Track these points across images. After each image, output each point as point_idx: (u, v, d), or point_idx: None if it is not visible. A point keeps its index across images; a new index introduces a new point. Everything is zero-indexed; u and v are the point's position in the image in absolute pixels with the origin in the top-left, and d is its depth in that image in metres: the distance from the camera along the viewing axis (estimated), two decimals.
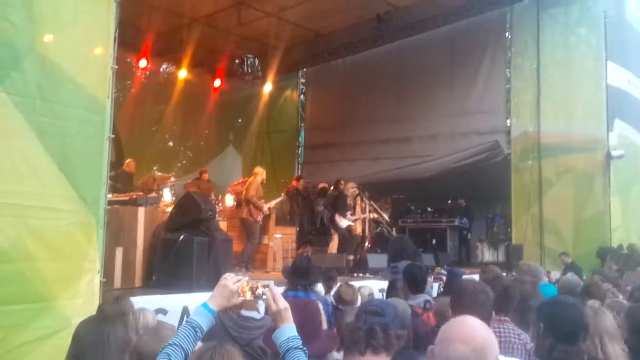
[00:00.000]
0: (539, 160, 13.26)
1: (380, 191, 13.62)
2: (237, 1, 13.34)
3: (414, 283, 5.25)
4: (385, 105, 15.54)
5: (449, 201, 15.34)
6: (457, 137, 14.49)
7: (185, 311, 5.76)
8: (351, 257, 11.11)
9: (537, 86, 13.34)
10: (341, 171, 14.56)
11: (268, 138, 17.92)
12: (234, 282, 2.39)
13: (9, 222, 4.19)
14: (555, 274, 9.04)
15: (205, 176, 12.38)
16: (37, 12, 4.47)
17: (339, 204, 11.41)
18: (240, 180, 12.50)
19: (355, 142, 16.25)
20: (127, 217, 7.49)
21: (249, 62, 15.31)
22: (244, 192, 10.62)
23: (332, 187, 12.60)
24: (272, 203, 11.01)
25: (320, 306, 3.29)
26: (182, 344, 2.23)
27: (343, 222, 11.18)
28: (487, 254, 13.92)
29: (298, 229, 12.29)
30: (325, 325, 3.00)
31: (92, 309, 4.50)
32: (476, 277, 6.30)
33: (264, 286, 2.42)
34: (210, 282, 6.46)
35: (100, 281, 4.80)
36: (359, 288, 5.98)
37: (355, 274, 10.29)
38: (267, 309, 2.45)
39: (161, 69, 16.74)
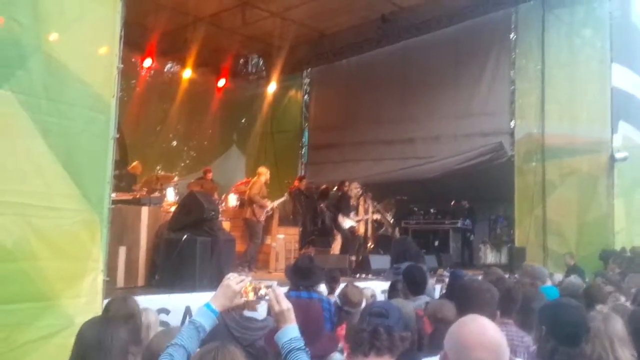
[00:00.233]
0: (543, 162, 13.23)
1: (384, 192, 13.62)
2: (242, 1, 13.35)
3: (414, 284, 5.24)
4: (389, 106, 15.53)
5: (452, 203, 15.32)
6: (461, 139, 14.47)
7: (187, 311, 5.77)
8: (353, 258, 11.11)
9: (542, 88, 13.30)
10: (345, 171, 14.57)
11: (272, 138, 17.92)
12: (236, 282, 2.40)
13: (13, 221, 4.20)
14: (558, 276, 9.01)
15: (210, 175, 12.38)
16: (42, 11, 4.48)
17: (342, 204, 11.41)
18: (244, 180, 12.50)
19: (359, 143, 16.24)
20: (131, 216, 7.50)
21: (253, 61, 15.36)
22: (247, 192, 10.63)
23: (335, 188, 12.60)
24: (275, 203, 11.01)
25: (323, 307, 3.29)
26: (184, 344, 2.24)
27: (346, 223, 11.18)
28: (489, 256, 13.92)
29: (301, 229, 12.29)
30: (326, 327, 3.00)
31: (95, 308, 4.52)
32: (479, 279, 6.28)
33: (267, 287, 2.43)
34: (213, 282, 6.47)
35: (104, 280, 4.81)
36: (362, 289, 5.98)
37: (357, 275, 10.28)
38: (270, 310, 2.45)
39: (165, 69, 16.75)
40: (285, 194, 12.26)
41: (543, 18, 13.26)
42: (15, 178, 4.27)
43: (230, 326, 3.77)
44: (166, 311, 5.57)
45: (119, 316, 3.33)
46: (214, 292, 2.44)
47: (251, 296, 2.41)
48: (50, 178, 4.47)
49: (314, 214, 12.86)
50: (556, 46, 13.23)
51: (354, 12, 14.04)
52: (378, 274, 10.01)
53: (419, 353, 3.22)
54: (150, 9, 12.09)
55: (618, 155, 12.53)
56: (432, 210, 15.26)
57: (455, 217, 14.70)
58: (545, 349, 3.17)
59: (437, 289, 7.17)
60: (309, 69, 17.85)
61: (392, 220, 13.46)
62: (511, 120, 14.13)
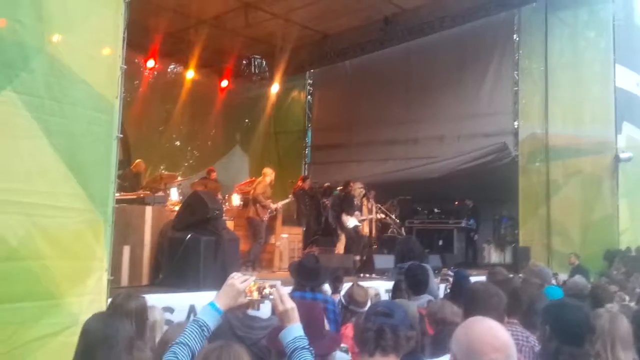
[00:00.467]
0: (547, 162, 13.25)
1: (387, 192, 13.62)
2: (245, 2, 13.37)
3: (416, 283, 5.23)
4: (392, 107, 15.55)
5: (456, 202, 15.31)
6: (464, 139, 14.48)
7: (192, 310, 5.77)
8: (357, 258, 11.11)
9: (545, 89, 13.33)
10: (348, 172, 14.58)
11: (275, 138, 17.96)
12: (241, 281, 2.40)
13: (18, 220, 4.22)
14: (562, 276, 9.01)
15: (213, 175, 12.39)
16: (46, 13, 4.49)
17: (346, 204, 11.42)
18: (247, 180, 12.52)
19: (362, 143, 16.27)
20: (135, 215, 7.51)
21: (256, 63, 15.32)
22: (251, 191, 10.66)
23: (339, 188, 12.61)
24: (279, 204, 11.03)
25: (326, 307, 3.29)
26: (189, 342, 2.24)
27: (350, 223, 11.18)
28: (494, 256, 13.90)
29: (305, 229, 12.30)
30: (328, 326, 3.00)
31: (99, 306, 4.53)
32: (483, 278, 6.28)
33: (271, 286, 2.43)
34: (217, 281, 6.44)
35: (108, 279, 4.82)
36: (367, 289, 5.97)
37: (361, 275, 10.28)
38: (274, 309, 2.45)
39: (169, 70, 16.80)
40: (290, 196, 12.27)
41: (546, 20, 13.27)
42: (20, 178, 4.29)
43: (234, 325, 3.78)
44: (170, 310, 5.58)
45: (124, 311, 3.34)
46: (218, 291, 2.44)
47: (255, 295, 2.41)
48: (55, 178, 4.48)
49: (318, 214, 12.87)
50: (559, 48, 13.26)
51: (357, 13, 14.04)
52: (382, 273, 10.01)
53: (421, 353, 3.22)
54: (154, 10, 12.11)
55: (622, 156, 12.54)
56: (436, 210, 15.25)
57: (459, 217, 14.69)
58: (549, 349, 3.16)
59: (442, 289, 7.16)
60: (312, 69, 17.88)
61: (398, 220, 13.46)
62: (515, 121, 14.13)
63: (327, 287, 6.07)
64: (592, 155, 12.71)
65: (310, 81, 18.47)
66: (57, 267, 4.42)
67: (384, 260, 10.51)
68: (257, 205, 10.37)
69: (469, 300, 3.49)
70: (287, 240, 11.22)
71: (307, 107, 18.46)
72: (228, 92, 16.91)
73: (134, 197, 8.47)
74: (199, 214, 7.42)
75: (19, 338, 4.15)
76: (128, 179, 10.10)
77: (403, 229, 13.69)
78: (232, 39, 14.86)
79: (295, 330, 2.34)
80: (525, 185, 13.52)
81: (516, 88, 14.12)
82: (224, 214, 8.75)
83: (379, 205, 12.53)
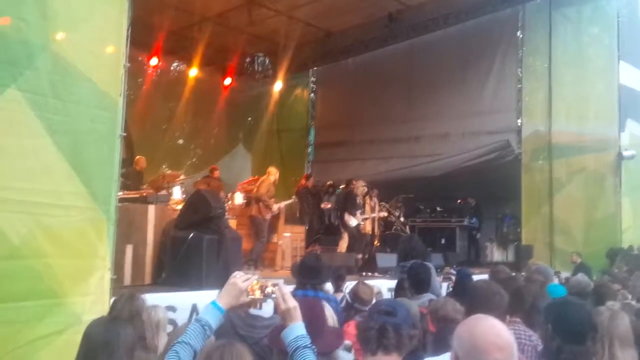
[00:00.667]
0: (550, 160, 13.21)
1: (390, 190, 13.61)
2: (248, 0, 13.36)
3: (419, 282, 5.23)
4: (396, 104, 15.52)
5: (459, 201, 15.29)
6: (468, 136, 14.45)
7: (194, 309, 5.77)
8: (360, 256, 11.11)
9: (549, 86, 13.28)
10: (351, 170, 14.57)
11: (278, 136, 17.95)
12: (243, 280, 2.40)
13: (21, 218, 4.23)
14: (565, 274, 9.00)
15: (216, 174, 12.41)
16: (50, 11, 4.50)
17: (348, 203, 11.41)
18: (250, 179, 12.52)
19: (366, 141, 16.26)
20: (138, 214, 7.52)
21: (259, 60, 15.34)
22: (254, 190, 10.66)
23: (342, 187, 12.61)
24: (282, 204, 11.03)
25: (329, 305, 3.28)
26: (191, 341, 2.24)
27: (353, 221, 11.17)
28: (496, 254, 13.87)
29: (307, 227, 12.30)
30: (331, 324, 2.99)
31: (102, 306, 4.55)
32: (485, 277, 6.27)
33: (274, 285, 2.43)
34: (219, 280, 6.44)
35: (111, 278, 4.83)
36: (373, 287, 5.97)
37: (364, 273, 10.28)
38: (276, 308, 2.45)
39: (172, 67, 16.80)
40: (293, 197, 12.28)
41: (550, 16, 13.23)
42: (23, 176, 4.30)
43: (236, 324, 3.78)
44: (173, 309, 5.58)
45: (124, 315, 3.34)
46: (220, 290, 2.44)
47: (257, 294, 2.41)
48: (58, 176, 4.49)
49: (321, 213, 12.87)
50: (563, 44, 13.20)
51: (360, 10, 14.02)
52: (385, 272, 10.01)
53: (422, 352, 3.22)
54: (157, 8, 12.11)
55: (625, 153, 12.50)
56: (438, 209, 15.22)
57: (461, 215, 14.67)
58: (551, 347, 3.16)
59: (444, 287, 7.16)
60: (315, 67, 17.86)
61: (402, 218, 13.44)
62: (518, 118, 14.10)
63: (329, 286, 6.07)
64: (596, 152, 12.67)
65: (313, 79, 18.45)
66: (60, 266, 4.43)
67: (386, 259, 10.50)
68: (260, 203, 10.38)
69: (470, 299, 3.49)
70: (290, 239, 11.23)
71: (310, 105, 18.44)
72: (231, 90, 16.92)
73: (137, 195, 8.48)
74: (201, 212, 7.43)
75: (23, 337, 4.17)
76: (131, 177, 10.11)
77: (408, 227, 13.66)
78: (235, 36, 14.86)
79: (297, 329, 2.34)
80: (528, 183, 13.48)
81: (520, 85, 14.08)
82: (226, 213, 8.76)
83: (384, 203, 12.51)
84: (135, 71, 12.46)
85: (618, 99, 12.63)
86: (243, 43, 15.31)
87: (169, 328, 3.86)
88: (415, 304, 4.12)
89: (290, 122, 18.20)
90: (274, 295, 2.41)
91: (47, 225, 4.36)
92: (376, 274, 10.20)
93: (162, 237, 7.56)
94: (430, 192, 15.21)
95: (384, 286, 7.54)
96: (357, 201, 11.42)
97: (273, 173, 10.94)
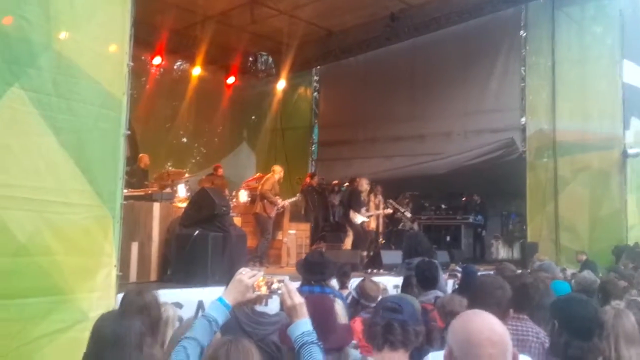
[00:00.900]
0: (555, 158, 13.20)
1: (394, 189, 13.60)
2: None
3: (425, 279, 5.23)
4: (399, 103, 15.53)
5: (464, 198, 15.28)
6: (471, 135, 14.46)
7: (200, 305, 5.79)
8: (365, 253, 11.12)
9: (553, 84, 13.27)
10: (355, 168, 14.59)
11: (281, 135, 17.96)
12: (249, 276, 2.40)
13: (27, 216, 4.23)
14: (570, 271, 8.98)
15: (220, 172, 12.44)
16: (53, 9, 4.49)
17: (353, 200, 11.42)
18: (255, 177, 12.53)
19: (369, 140, 16.27)
20: (143, 212, 7.54)
21: (262, 59, 15.38)
22: (259, 187, 10.68)
23: (346, 184, 12.62)
24: (287, 201, 11.04)
25: (338, 301, 3.29)
26: (198, 337, 2.25)
27: (358, 219, 11.17)
28: (501, 251, 13.88)
29: (312, 225, 12.30)
30: (341, 320, 2.99)
31: (108, 302, 4.55)
32: (491, 274, 6.26)
33: (279, 281, 2.43)
34: (225, 276, 6.43)
35: (117, 275, 4.84)
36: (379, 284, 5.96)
37: (369, 270, 10.28)
38: (282, 304, 2.45)
39: (175, 66, 16.83)
40: (298, 194, 12.28)
41: (553, 15, 13.21)
42: (29, 174, 4.30)
43: (242, 321, 3.77)
44: (179, 305, 5.57)
45: (134, 309, 3.34)
46: (226, 287, 2.44)
47: (264, 290, 2.41)
48: (63, 174, 4.49)
49: (326, 210, 12.89)
50: (566, 43, 13.19)
51: (363, 10, 14.03)
52: (390, 269, 10.00)
53: (427, 347, 3.22)
54: (160, 7, 12.15)
55: (630, 151, 12.48)
56: (443, 206, 15.23)
57: (466, 213, 14.68)
58: (559, 343, 3.15)
59: (450, 284, 7.15)
60: (318, 66, 17.87)
61: (410, 215, 13.40)
62: (522, 117, 14.09)
63: (334, 283, 6.07)
64: (600, 150, 12.65)
65: (316, 78, 18.46)
66: (66, 263, 4.43)
67: (391, 256, 10.49)
68: (265, 201, 10.39)
69: (473, 293, 3.49)
70: (295, 237, 11.23)
71: (313, 103, 18.45)
72: (234, 89, 16.94)
73: (142, 193, 8.51)
74: (206, 210, 7.43)
75: (28, 334, 4.17)
76: (136, 176, 10.14)
77: (416, 223, 13.60)
78: (238, 35, 14.88)
79: (303, 325, 2.34)
80: (532, 181, 13.48)
81: (523, 84, 14.08)
82: (231, 211, 8.77)
83: (391, 200, 12.50)
84: (138, 70, 12.52)
85: (622, 97, 12.59)
86: (246, 42, 15.34)
87: (176, 324, 3.86)
88: (421, 300, 4.11)
89: (293, 120, 18.21)
90: (280, 292, 2.40)
91: (53, 223, 4.36)
92: (381, 270, 10.20)
93: (167, 235, 7.58)
94: (435, 190, 15.22)
95: (389, 283, 7.53)
96: (362, 198, 11.42)
97: (278, 171, 10.96)
